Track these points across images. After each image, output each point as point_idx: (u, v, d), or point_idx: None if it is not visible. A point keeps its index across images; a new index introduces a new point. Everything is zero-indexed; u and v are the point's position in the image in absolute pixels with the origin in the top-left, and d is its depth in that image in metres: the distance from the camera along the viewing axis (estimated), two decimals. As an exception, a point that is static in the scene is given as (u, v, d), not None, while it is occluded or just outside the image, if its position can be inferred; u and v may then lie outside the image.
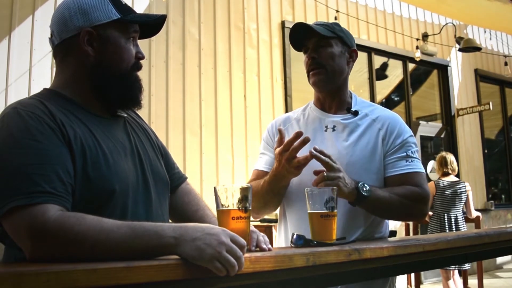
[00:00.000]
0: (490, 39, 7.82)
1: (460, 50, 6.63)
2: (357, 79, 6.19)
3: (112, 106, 1.22)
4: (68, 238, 0.92)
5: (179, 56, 4.47)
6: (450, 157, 4.81)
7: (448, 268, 4.41)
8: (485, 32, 7.77)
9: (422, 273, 5.63)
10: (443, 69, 7.05)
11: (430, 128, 6.87)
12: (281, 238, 1.72)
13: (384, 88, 6.63)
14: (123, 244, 0.92)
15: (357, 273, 1.24)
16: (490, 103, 6.85)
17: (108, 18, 1.16)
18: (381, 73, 6.51)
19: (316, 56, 1.64)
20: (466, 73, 7.33)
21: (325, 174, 1.42)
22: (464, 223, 4.68)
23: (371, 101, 1.91)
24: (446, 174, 4.77)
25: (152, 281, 0.85)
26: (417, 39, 6.45)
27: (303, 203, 1.35)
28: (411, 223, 5.09)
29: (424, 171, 1.65)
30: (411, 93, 6.72)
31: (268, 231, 3.64)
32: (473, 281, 5.08)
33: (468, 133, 7.13)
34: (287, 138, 1.44)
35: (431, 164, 6.03)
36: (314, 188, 1.38)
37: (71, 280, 0.77)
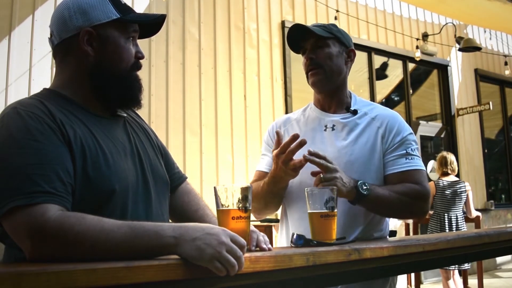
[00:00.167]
0: (490, 39, 7.82)
1: (460, 50, 6.63)
2: (357, 79, 6.19)
3: (112, 106, 1.22)
4: (68, 238, 0.91)
5: (179, 56, 4.47)
6: (451, 157, 4.81)
7: (448, 268, 4.41)
8: (485, 32, 7.77)
9: (422, 273, 5.63)
10: (443, 69, 7.05)
11: (430, 128, 6.87)
12: (282, 238, 1.73)
13: (384, 88, 6.63)
14: (123, 244, 0.92)
15: (357, 273, 1.24)
16: (490, 103, 6.85)
17: (108, 17, 1.16)
18: (381, 73, 6.51)
19: (314, 57, 1.65)
20: (466, 73, 7.33)
21: (322, 176, 1.43)
22: (464, 223, 4.68)
23: (371, 101, 1.91)
24: (445, 174, 4.77)
25: (152, 281, 0.85)
26: (417, 39, 6.45)
27: (304, 202, 1.36)
28: (411, 223, 5.09)
29: (424, 168, 1.65)
30: (411, 93, 6.72)
31: (268, 231, 3.64)
32: (473, 281, 5.08)
33: (468, 133, 7.13)
34: (285, 140, 1.45)
35: (431, 164, 6.03)
36: (314, 188, 1.38)
37: (71, 280, 0.77)
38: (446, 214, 4.61)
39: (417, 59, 6.25)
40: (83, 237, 0.91)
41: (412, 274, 5.08)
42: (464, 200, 4.70)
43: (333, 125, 1.67)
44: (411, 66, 6.69)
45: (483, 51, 7.31)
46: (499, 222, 7.17)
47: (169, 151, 1.42)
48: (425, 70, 7.10)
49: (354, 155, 1.59)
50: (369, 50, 6.14)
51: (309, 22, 5.46)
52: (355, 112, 1.68)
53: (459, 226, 4.61)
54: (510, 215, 7.47)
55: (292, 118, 1.80)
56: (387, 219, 1.69)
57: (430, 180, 5.29)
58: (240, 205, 1.07)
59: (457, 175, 5.08)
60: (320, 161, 1.43)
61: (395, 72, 6.67)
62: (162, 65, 4.35)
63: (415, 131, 6.43)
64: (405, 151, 1.61)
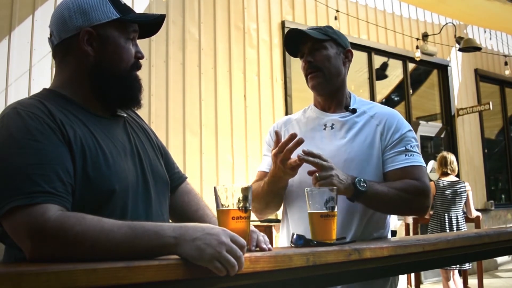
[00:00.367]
0: (490, 39, 7.82)
1: (460, 50, 6.63)
2: (357, 79, 6.19)
3: (112, 106, 1.22)
4: (68, 238, 0.91)
5: (179, 56, 4.47)
6: (450, 157, 4.81)
7: (448, 268, 4.41)
8: (485, 32, 7.77)
9: (422, 273, 5.63)
10: (443, 69, 7.05)
11: (430, 128, 6.87)
12: (283, 238, 1.73)
13: (384, 88, 6.63)
14: (123, 244, 0.92)
15: (357, 273, 1.24)
16: (490, 103, 6.85)
17: (108, 18, 1.16)
18: (381, 73, 6.51)
19: (312, 60, 1.66)
20: (466, 73, 7.33)
21: (317, 174, 1.43)
22: (464, 222, 4.68)
23: (371, 101, 1.92)
24: (445, 174, 4.77)
25: (152, 281, 0.85)
26: (417, 39, 6.45)
27: (304, 202, 1.36)
28: (411, 223, 5.09)
29: (424, 165, 1.64)
30: (411, 93, 6.72)
31: (268, 231, 3.64)
32: (473, 281, 5.08)
33: (468, 133, 7.13)
34: (284, 139, 1.46)
35: (431, 164, 6.03)
36: (314, 188, 1.38)
37: (71, 280, 0.77)
38: (446, 214, 4.61)
39: (417, 59, 6.25)
40: (83, 237, 0.91)
41: (412, 274, 5.08)
42: (464, 200, 4.70)
43: (332, 124, 1.68)
44: (411, 66, 6.69)
45: (483, 51, 7.31)
46: (499, 222, 7.17)
47: (169, 151, 1.42)
48: (425, 70, 7.10)
49: (352, 152, 1.60)
50: (369, 50, 6.14)
51: (309, 22, 5.46)
52: (354, 111, 1.70)
53: (460, 226, 4.61)
54: (510, 215, 7.47)
55: (293, 118, 1.82)
56: (387, 219, 1.69)
57: (430, 180, 5.28)
58: (240, 205, 1.07)
59: (457, 175, 5.08)
60: (315, 159, 1.44)
61: (395, 72, 6.67)
62: (162, 65, 4.35)
63: (415, 131, 6.43)
64: (404, 148, 1.61)
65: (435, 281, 5.93)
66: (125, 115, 1.28)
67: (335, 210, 1.31)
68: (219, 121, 4.59)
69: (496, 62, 7.78)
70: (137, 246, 0.92)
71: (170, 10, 4.48)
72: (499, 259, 7.02)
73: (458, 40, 6.73)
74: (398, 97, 6.86)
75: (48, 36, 1.21)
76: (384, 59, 6.47)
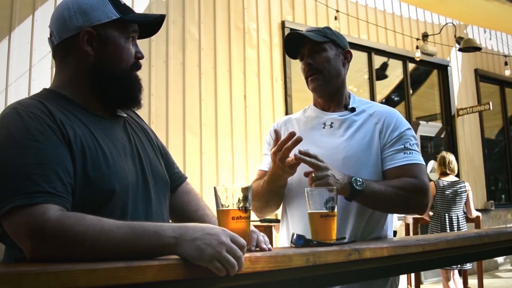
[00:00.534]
0: (490, 39, 7.82)
1: (460, 50, 6.63)
2: (357, 79, 6.19)
3: (112, 106, 1.22)
4: (68, 238, 0.91)
5: (179, 56, 4.47)
6: (449, 157, 4.80)
7: (448, 268, 4.41)
8: (485, 32, 7.77)
9: (422, 273, 5.63)
10: (443, 69, 7.05)
11: (430, 128, 6.87)
12: (283, 235, 1.74)
13: (384, 88, 6.63)
14: (123, 244, 0.92)
15: (357, 273, 1.24)
16: (490, 103, 6.85)
17: (108, 18, 1.16)
18: (381, 73, 6.51)
19: (312, 62, 1.68)
20: (466, 73, 7.33)
21: (313, 174, 1.44)
22: (465, 222, 4.68)
23: (371, 100, 1.93)
24: (444, 174, 4.77)
25: (152, 281, 0.85)
26: (417, 39, 6.45)
27: (303, 200, 1.36)
28: (411, 223, 5.09)
29: (423, 163, 1.64)
30: (411, 93, 6.72)
31: (268, 231, 3.64)
32: (473, 281, 5.08)
33: (468, 133, 7.13)
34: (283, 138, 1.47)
35: (431, 164, 6.03)
36: (314, 188, 1.38)
37: (71, 280, 0.77)
38: (446, 214, 4.61)
39: (417, 59, 6.25)
40: (83, 237, 0.91)
41: (412, 274, 5.08)
42: (465, 200, 4.70)
43: (331, 123, 1.69)
44: (411, 66, 6.69)
45: (483, 51, 7.31)
46: (499, 222, 7.18)
47: (169, 151, 1.42)
48: (425, 70, 7.10)
49: (351, 150, 1.60)
50: (369, 50, 6.14)
51: (309, 22, 5.46)
52: (353, 110, 1.71)
53: (460, 226, 4.61)
54: (510, 215, 7.47)
55: (293, 118, 1.83)
56: (387, 219, 1.69)
57: (430, 180, 5.29)
58: (240, 205, 1.07)
59: (457, 175, 5.08)
60: (311, 159, 1.44)
61: (395, 72, 6.67)
62: (162, 65, 4.35)
63: (415, 131, 6.43)
64: (403, 146, 1.62)
65: (435, 281, 5.93)
66: (125, 115, 1.28)
67: (335, 210, 1.31)
68: (219, 121, 4.59)
69: (496, 62, 7.78)
70: (137, 246, 0.92)
71: (170, 10, 4.48)
72: (499, 259, 7.02)
73: (458, 40, 6.73)
74: (398, 97, 6.86)
75: (48, 36, 1.21)
76: (384, 59, 6.47)
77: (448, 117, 6.96)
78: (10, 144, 1.00)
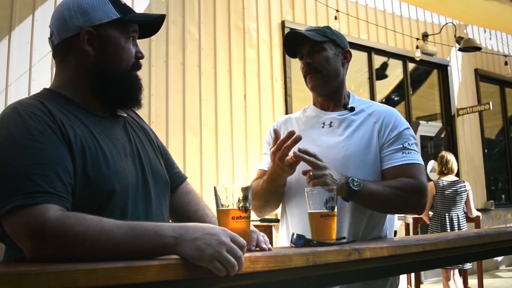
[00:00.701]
0: (490, 39, 7.82)
1: (460, 50, 6.63)
2: (357, 79, 6.19)
3: (112, 106, 1.22)
4: (68, 238, 0.91)
5: (179, 56, 4.47)
6: (448, 157, 4.80)
7: (449, 267, 4.41)
8: (485, 32, 7.77)
9: (422, 273, 5.63)
10: (443, 69, 7.05)
11: (430, 128, 6.87)
12: (283, 234, 1.74)
13: (384, 88, 6.63)
14: (123, 244, 0.92)
15: (357, 273, 1.24)
16: (490, 103, 6.85)
17: (108, 17, 1.16)
18: (381, 73, 6.51)
19: (311, 61, 1.67)
20: (466, 73, 7.33)
21: (311, 173, 1.44)
22: (465, 222, 4.68)
23: (370, 100, 1.93)
24: (443, 173, 4.77)
25: (152, 281, 0.85)
26: (417, 39, 6.45)
27: (303, 199, 1.36)
28: (411, 223, 5.09)
29: (422, 163, 1.64)
30: (411, 93, 6.72)
31: (268, 231, 3.64)
32: (473, 281, 5.08)
33: (468, 133, 7.13)
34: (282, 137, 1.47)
35: (431, 164, 6.03)
36: (314, 188, 1.38)
37: (71, 280, 0.77)
38: (447, 214, 4.61)
39: (417, 59, 6.25)
40: (83, 237, 0.91)
41: (412, 274, 5.08)
42: (465, 200, 4.70)
43: (331, 122, 1.69)
44: (411, 66, 6.69)
45: (483, 51, 7.31)
46: (499, 222, 7.17)
47: (169, 151, 1.42)
48: (425, 70, 7.10)
49: (350, 149, 1.61)
50: (369, 50, 6.14)
51: (309, 22, 5.46)
52: (352, 109, 1.71)
53: (461, 225, 4.61)
54: (510, 215, 7.47)
55: (292, 117, 1.83)
56: (386, 219, 1.69)
57: (430, 180, 5.29)
58: (240, 205, 1.07)
59: (457, 175, 5.07)
60: (310, 158, 1.45)
61: (395, 72, 6.67)
62: (162, 65, 4.35)
63: (415, 131, 6.43)
64: (401, 145, 1.62)
65: (435, 281, 5.93)
66: (125, 115, 1.28)
67: (335, 210, 1.31)
68: (219, 121, 4.59)
69: (496, 62, 7.78)
70: (137, 246, 0.92)
71: (170, 10, 4.48)
72: (500, 259, 7.03)
73: (458, 40, 6.73)
74: (398, 97, 6.86)
75: (48, 36, 1.21)
76: (384, 59, 6.47)
77: (448, 117, 6.96)
78: (10, 144, 1.00)
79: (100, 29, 1.16)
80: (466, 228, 4.68)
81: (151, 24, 1.26)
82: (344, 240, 1.33)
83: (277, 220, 3.60)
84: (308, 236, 1.27)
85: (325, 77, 1.67)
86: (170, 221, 1.33)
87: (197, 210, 1.37)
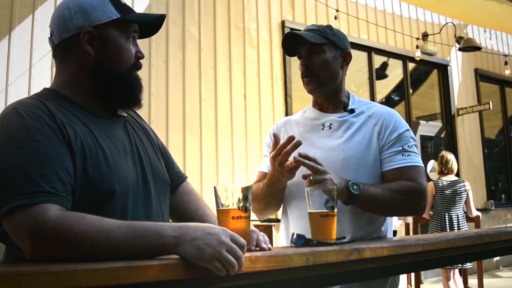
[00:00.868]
0: (490, 38, 7.82)
1: (460, 49, 6.63)
2: (357, 79, 6.19)
3: (112, 106, 1.22)
4: (68, 238, 0.91)
5: (179, 56, 4.47)
6: (448, 157, 4.79)
7: (449, 267, 4.41)
8: (485, 31, 7.77)
9: (422, 273, 5.63)
10: (443, 69, 7.05)
11: (430, 128, 6.87)
12: (283, 237, 1.74)
13: (384, 88, 6.63)
14: (123, 244, 0.92)
15: (357, 273, 1.24)
16: (490, 102, 6.85)
17: (108, 17, 1.16)
18: (381, 73, 6.51)
19: (309, 64, 1.66)
20: (466, 73, 7.33)
21: (311, 178, 1.44)
22: (465, 222, 4.68)
23: (371, 101, 1.92)
24: (442, 173, 4.77)
25: (152, 281, 0.85)
26: (417, 39, 6.45)
27: (303, 200, 1.36)
28: (411, 223, 5.09)
29: (422, 165, 1.64)
30: (411, 92, 6.72)
31: (268, 231, 3.65)
32: (473, 281, 5.08)
33: (468, 132, 7.13)
34: (282, 141, 1.46)
35: (431, 164, 6.03)
36: (314, 188, 1.38)
37: (71, 280, 0.77)
38: (446, 214, 4.61)
39: (417, 59, 6.26)
40: (83, 237, 0.91)
41: (412, 274, 5.08)
42: (464, 200, 4.70)
43: (330, 124, 1.69)
44: (411, 66, 6.69)
45: (483, 51, 7.31)
46: (499, 222, 7.18)
47: (169, 151, 1.42)
48: (425, 70, 7.10)
49: (350, 152, 1.60)
50: (369, 50, 6.14)
51: (309, 22, 5.46)
52: (352, 111, 1.70)
53: (461, 225, 4.61)
54: (510, 215, 7.47)
55: (292, 119, 1.82)
56: (387, 220, 1.69)
57: (430, 180, 5.29)
58: (240, 205, 1.07)
59: (457, 175, 5.07)
60: (310, 163, 1.45)
61: (395, 72, 6.68)
62: (162, 65, 4.35)
63: (415, 131, 6.43)
64: (401, 148, 1.61)
65: (435, 281, 5.93)
66: (125, 115, 1.28)
67: (335, 210, 1.31)
68: (219, 121, 4.59)
69: (496, 62, 7.78)
70: (137, 246, 0.92)
71: (170, 10, 4.48)
72: (499, 259, 7.03)
73: (458, 40, 6.73)
74: (398, 97, 6.86)
75: (49, 36, 1.21)
76: (384, 58, 6.47)
77: (448, 117, 6.96)
78: (10, 144, 1.00)
79: (100, 29, 1.16)
80: (466, 228, 4.68)
81: (151, 24, 1.26)
82: (344, 240, 1.33)
83: (277, 220, 3.60)
84: (308, 236, 1.27)
85: (322, 81, 1.66)
86: (170, 221, 1.33)
87: (197, 210, 1.37)
